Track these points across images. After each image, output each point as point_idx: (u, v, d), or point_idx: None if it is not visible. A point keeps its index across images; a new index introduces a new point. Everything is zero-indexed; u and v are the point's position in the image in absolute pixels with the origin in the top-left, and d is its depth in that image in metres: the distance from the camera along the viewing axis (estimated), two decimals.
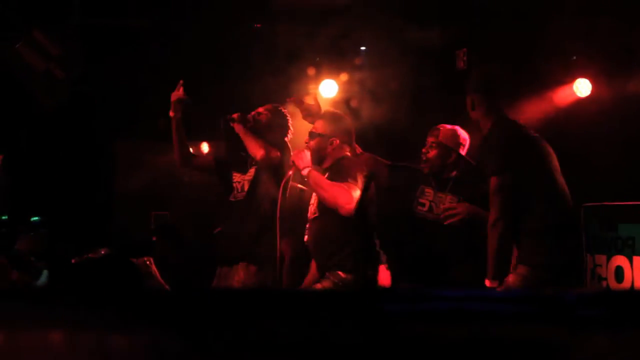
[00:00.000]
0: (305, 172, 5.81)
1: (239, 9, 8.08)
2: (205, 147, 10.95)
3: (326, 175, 5.85)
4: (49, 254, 6.34)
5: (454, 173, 6.35)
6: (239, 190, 6.67)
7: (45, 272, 6.09)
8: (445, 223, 6.08)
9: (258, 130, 6.55)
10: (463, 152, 6.40)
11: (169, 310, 1.80)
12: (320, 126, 6.01)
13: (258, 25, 8.51)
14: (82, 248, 6.61)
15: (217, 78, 8.69)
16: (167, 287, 6.03)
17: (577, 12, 7.63)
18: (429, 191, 6.33)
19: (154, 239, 9.02)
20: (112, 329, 1.72)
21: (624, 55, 7.88)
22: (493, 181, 5.45)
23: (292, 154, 6.05)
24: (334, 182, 5.71)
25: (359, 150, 6.19)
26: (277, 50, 8.16)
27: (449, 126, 6.44)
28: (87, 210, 9.25)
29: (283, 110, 6.72)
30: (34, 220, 6.94)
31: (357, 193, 5.63)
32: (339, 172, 5.77)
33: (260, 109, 6.69)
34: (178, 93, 6.68)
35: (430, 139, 6.36)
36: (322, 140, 5.94)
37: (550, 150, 5.72)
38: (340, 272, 5.75)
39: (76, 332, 1.73)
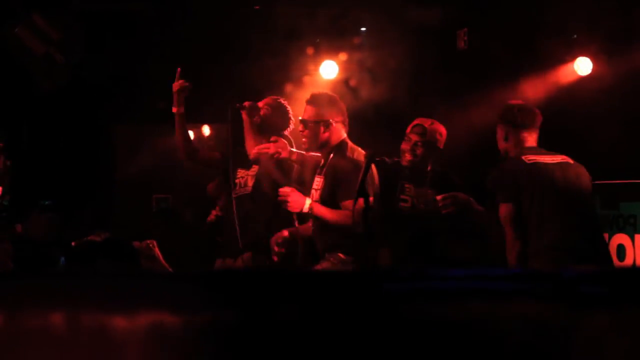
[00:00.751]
0: (306, 210, 5.78)
1: None
2: (206, 130, 10.95)
3: (331, 157, 5.83)
4: (61, 238, 6.34)
5: (430, 167, 6.32)
6: (242, 186, 6.60)
7: (62, 259, 6.11)
8: (443, 212, 6.03)
9: (260, 125, 6.43)
10: (441, 146, 6.35)
11: (170, 292, 1.80)
12: (311, 112, 5.94)
13: (257, 7, 8.49)
14: (83, 231, 6.63)
15: (217, 60, 8.67)
16: (170, 269, 6.04)
17: None
18: (409, 187, 6.28)
19: (155, 222, 9.02)
20: (112, 311, 1.72)
21: (624, 33, 7.86)
22: (503, 208, 5.55)
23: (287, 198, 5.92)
24: (336, 212, 5.70)
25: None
26: (277, 31, 8.14)
27: (431, 124, 6.34)
28: (88, 194, 9.26)
29: (283, 103, 6.57)
30: (45, 203, 6.93)
31: (358, 205, 5.56)
32: (340, 184, 5.75)
33: (260, 104, 6.54)
34: (179, 82, 6.50)
35: (415, 137, 6.25)
36: (316, 126, 5.89)
37: (572, 177, 5.70)
38: (340, 254, 5.75)
39: (77, 314, 1.73)
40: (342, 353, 1.64)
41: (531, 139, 5.74)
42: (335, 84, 8.11)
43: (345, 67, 8.48)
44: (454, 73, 8.42)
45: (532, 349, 1.67)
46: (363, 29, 8.66)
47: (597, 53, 8.24)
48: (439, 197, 5.99)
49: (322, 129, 5.87)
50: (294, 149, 5.99)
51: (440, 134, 6.27)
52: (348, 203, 5.64)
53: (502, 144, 5.83)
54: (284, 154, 5.94)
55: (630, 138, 7.68)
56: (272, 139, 6.02)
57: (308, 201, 5.78)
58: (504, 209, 5.55)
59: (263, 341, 1.67)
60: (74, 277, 1.97)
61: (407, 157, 6.20)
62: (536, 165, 5.61)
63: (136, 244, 6.01)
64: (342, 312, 1.65)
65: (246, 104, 6.39)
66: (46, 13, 7.37)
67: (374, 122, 6.63)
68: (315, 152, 5.99)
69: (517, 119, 5.76)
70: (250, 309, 1.68)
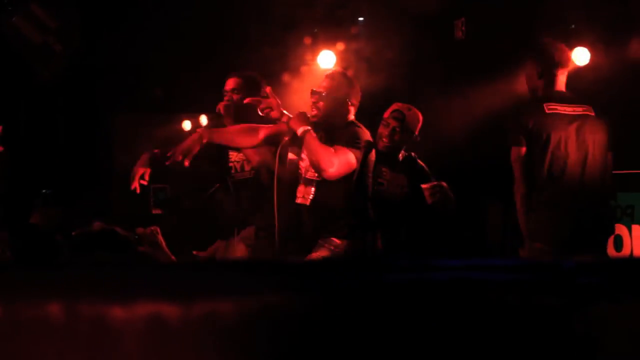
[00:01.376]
0: (300, 131, 5.73)
1: None
2: (203, 120, 10.93)
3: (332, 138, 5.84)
4: (65, 227, 6.35)
5: (402, 153, 6.36)
6: (238, 170, 6.59)
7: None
8: (430, 202, 6.05)
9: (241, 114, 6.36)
10: (416, 132, 6.37)
11: (169, 281, 1.80)
12: (330, 86, 5.93)
13: None
14: (81, 221, 6.62)
15: (216, 49, 8.66)
16: (173, 257, 6.05)
17: None
18: (385, 170, 6.30)
19: (155, 211, 9.03)
20: (111, 301, 1.72)
21: (622, 22, 7.86)
22: (513, 150, 5.71)
23: (290, 116, 5.92)
24: (323, 145, 5.68)
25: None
26: (274, 20, 8.14)
27: (409, 109, 6.36)
28: (86, 184, 9.26)
29: (257, 79, 6.51)
30: (46, 192, 6.93)
31: (347, 159, 5.59)
32: (343, 137, 5.75)
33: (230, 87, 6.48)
34: (141, 166, 6.36)
35: (393, 123, 6.27)
36: (334, 101, 5.87)
37: (590, 128, 5.75)
38: (334, 239, 5.75)
39: (75, 304, 1.73)
40: (341, 346, 1.64)
41: (562, 79, 5.89)
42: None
43: (342, 56, 8.46)
44: (452, 63, 8.42)
45: (531, 341, 1.67)
46: (361, 18, 8.66)
47: (595, 43, 8.23)
48: (425, 186, 6.02)
49: (335, 105, 5.88)
50: (284, 111, 5.91)
51: (417, 121, 6.32)
52: (338, 147, 5.64)
53: (532, 82, 5.95)
54: (274, 113, 5.89)
55: (628, 129, 7.68)
56: (262, 94, 5.98)
57: (308, 127, 5.73)
58: (513, 152, 5.71)
59: (262, 332, 1.67)
60: (72, 267, 1.97)
61: (385, 141, 6.24)
62: (555, 115, 5.68)
63: (139, 230, 6.03)
64: (340, 304, 1.65)
65: (220, 106, 6.36)
66: (43, 1, 7.36)
67: (371, 112, 6.62)
68: (321, 129, 5.97)
69: (554, 56, 5.89)
70: (247, 299, 1.68)
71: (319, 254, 5.78)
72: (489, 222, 8.03)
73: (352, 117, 5.96)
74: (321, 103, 5.89)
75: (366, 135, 5.83)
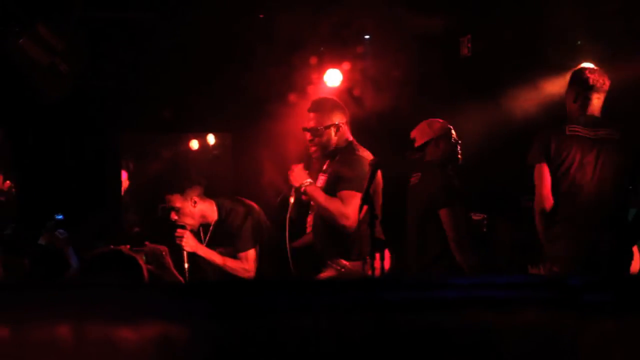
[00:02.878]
0: (302, 188, 5.79)
1: (242, 0, 8.08)
2: (211, 139, 10.95)
3: (337, 157, 5.84)
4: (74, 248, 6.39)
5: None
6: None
7: (75, 260, 6.18)
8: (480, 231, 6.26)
9: None
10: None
11: (177, 303, 1.80)
12: (317, 118, 5.96)
13: (261, 15, 8.50)
14: (90, 241, 6.65)
15: (221, 69, 8.68)
16: (180, 278, 6.07)
17: None
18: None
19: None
20: (119, 322, 1.73)
21: (628, 38, 7.87)
22: (535, 168, 5.88)
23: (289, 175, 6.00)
24: (328, 199, 5.70)
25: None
26: (280, 40, 8.15)
27: (438, 121, 6.45)
28: (94, 204, 9.26)
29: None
30: (57, 218, 6.95)
31: (357, 202, 5.56)
32: (345, 171, 5.76)
33: None
34: None
35: (437, 134, 6.36)
36: (327, 131, 5.92)
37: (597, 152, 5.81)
38: (342, 260, 5.76)
39: (83, 325, 1.74)
40: None
41: (597, 103, 5.98)
42: (338, 93, 8.11)
43: (348, 76, 8.48)
44: (458, 80, 8.43)
45: (536, 358, 1.67)
46: (367, 36, 8.67)
47: (601, 59, 8.24)
48: (477, 217, 6.18)
49: (332, 132, 5.91)
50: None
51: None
52: (344, 193, 5.66)
53: (569, 105, 6.13)
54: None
55: None
56: (290, 172, 6.07)
57: (309, 180, 5.80)
58: (536, 169, 5.87)
59: (268, 351, 1.67)
60: (81, 289, 1.98)
61: (429, 151, 6.38)
62: (575, 137, 5.85)
63: (148, 244, 6.06)
64: (342, 322, 1.66)
65: None
66: (50, 22, 7.37)
67: (378, 131, 6.63)
68: (324, 157, 6.02)
69: (588, 81, 6.00)
70: (256, 319, 1.69)
71: (327, 274, 5.79)
72: (497, 239, 8.01)
73: (349, 136, 5.98)
74: (316, 139, 5.93)
75: (368, 157, 5.81)
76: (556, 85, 8.48)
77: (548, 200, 5.78)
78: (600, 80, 6.02)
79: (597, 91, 5.99)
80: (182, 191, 6.58)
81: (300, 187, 5.78)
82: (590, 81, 5.98)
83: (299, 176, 5.81)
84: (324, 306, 1.71)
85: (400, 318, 1.68)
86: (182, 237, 6.40)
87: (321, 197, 5.71)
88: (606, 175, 5.79)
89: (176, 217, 6.58)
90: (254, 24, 8.50)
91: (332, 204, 5.66)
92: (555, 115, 7.28)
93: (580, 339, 1.71)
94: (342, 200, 5.65)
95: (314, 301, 1.74)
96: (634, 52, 7.74)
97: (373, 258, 5.60)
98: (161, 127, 9.69)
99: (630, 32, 7.87)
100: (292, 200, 6.01)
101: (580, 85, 6.00)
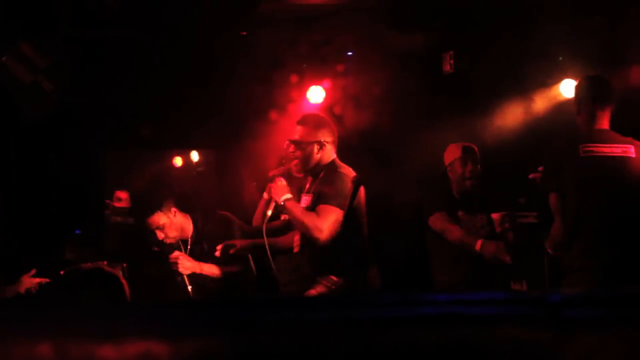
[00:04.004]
0: (281, 200, 5.78)
1: (223, 18, 8.08)
2: (194, 156, 10.95)
3: (321, 176, 5.83)
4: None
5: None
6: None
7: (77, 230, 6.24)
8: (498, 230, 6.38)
9: None
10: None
11: (159, 319, 1.80)
12: (304, 132, 5.94)
13: (243, 33, 8.51)
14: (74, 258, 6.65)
15: (204, 87, 8.69)
16: (129, 297, 6.04)
17: (562, 13, 7.66)
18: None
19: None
20: (100, 340, 1.73)
21: (609, 54, 7.92)
22: (550, 197, 5.61)
23: (270, 187, 6.02)
24: (306, 213, 5.69)
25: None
26: (262, 57, 8.17)
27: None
28: (78, 221, 9.24)
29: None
30: (77, 232, 6.95)
31: (334, 217, 5.56)
32: (326, 186, 5.75)
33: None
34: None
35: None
36: (310, 146, 5.89)
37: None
38: (332, 276, 5.75)
39: (64, 343, 1.73)
40: None
41: (603, 115, 5.67)
42: (320, 110, 8.13)
43: (329, 93, 8.50)
44: (440, 96, 8.46)
45: None
46: (350, 53, 8.68)
47: (582, 75, 8.28)
48: (495, 216, 6.20)
49: (315, 149, 5.87)
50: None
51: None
52: (322, 207, 5.65)
53: (577, 120, 5.75)
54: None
55: None
56: (271, 185, 6.07)
57: (289, 195, 5.78)
58: (551, 198, 5.59)
59: None
60: (61, 306, 1.98)
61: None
62: (590, 158, 5.54)
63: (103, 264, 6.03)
64: (317, 339, 1.66)
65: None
66: (33, 40, 7.37)
67: (359, 148, 6.63)
68: (306, 174, 6.01)
69: (589, 91, 5.74)
70: (238, 336, 1.69)
71: (317, 290, 5.77)
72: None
73: (333, 155, 5.94)
74: (299, 152, 5.89)
75: (350, 174, 5.79)
76: (538, 101, 8.54)
77: (566, 230, 5.52)
78: (604, 91, 5.75)
79: (603, 102, 5.68)
80: (160, 207, 6.56)
81: (280, 201, 5.76)
82: (594, 92, 5.71)
83: (280, 190, 5.79)
84: (299, 323, 1.71)
85: (377, 336, 1.68)
86: (176, 262, 6.38)
87: (298, 212, 5.71)
88: (627, 196, 5.53)
89: (163, 235, 6.56)
90: (236, 42, 8.51)
91: (307, 217, 5.65)
92: (537, 130, 7.31)
93: (560, 355, 1.71)
94: (318, 213, 5.64)
95: (287, 318, 1.74)
96: (615, 69, 7.78)
97: (360, 275, 5.60)
98: (144, 144, 9.69)
99: (611, 47, 7.92)
100: (269, 213, 6.01)
101: (583, 97, 5.73)
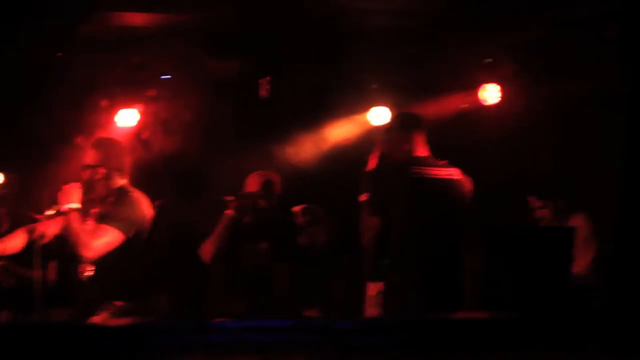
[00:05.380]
0: (66, 209, 5.48)
1: (41, 38, 7.90)
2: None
3: (110, 201, 5.70)
4: None
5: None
6: None
7: None
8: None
9: None
10: None
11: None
12: (90, 156, 5.80)
13: (60, 54, 8.32)
14: None
15: (17, 114, 8.45)
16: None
17: (375, 44, 7.83)
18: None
19: None
20: None
21: (417, 85, 8.14)
22: (369, 219, 5.65)
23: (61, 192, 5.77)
24: (83, 228, 5.52)
25: None
26: (77, 80, 8.02)
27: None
28: None
29: None
30: None
31: (109, 238, 5.43)
32: (111, 208, 5.63)
33: None
34: None
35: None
36: (92, 171, 5.72)
37: None
38: (115, 302, 5.57)
39: None
40: None
41: (418, 142, 5.81)
42: (128, 135, 8.02)
43: (141, 118, 8.40)
44: (251, 122, 8.51)
45: None
46: (164, 77, 8.59)
47: (395, 103, 8.48)
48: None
49: (105, 173, 5.70)
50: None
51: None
52: (101, 227, 5.48)
53: (397, 147, 5.81)
54: None
55: None
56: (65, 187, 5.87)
57: (77, 205, 5.55)
58: (369, 221, 5.63)
59: None
60: None
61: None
62: (419, 180, 5.67)
63: None
64: None
65: None
66: None
67: (163, 174, 6.57)
68: (97, 197, 5.82)
69: (396, 122, 6.01)
70: None
71: (100, 317, 5.58)
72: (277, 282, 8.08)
73: (122, 181, 5.78)
74: (87, 174, 5.73)
75: (143, 200, 5.68)
76: (350, 128, 8.71)
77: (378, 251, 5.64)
78: (408, 120, 5.93)
79: (409, 131, 5.81)
80: None
81: (65, 207, 5.52)
82: (398, 122, 5.95)
83: (70, 196, 5.57)
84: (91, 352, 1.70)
85: None
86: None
87: (76, 224, 5.51)
88: (442, 224, 5.65)
89: None
90: (52, 63, 8.32)
91: (83, 234, 5.48)
92: (350, 157, 7.43)
93: None
94: (95, 231, 5.50)
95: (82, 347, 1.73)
96: (424, 98, 8.00)
97: (147, 300, 5.50)
98: None
99: (420, 78, 8.15)
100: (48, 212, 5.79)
101: (392, 129, 5.97)
